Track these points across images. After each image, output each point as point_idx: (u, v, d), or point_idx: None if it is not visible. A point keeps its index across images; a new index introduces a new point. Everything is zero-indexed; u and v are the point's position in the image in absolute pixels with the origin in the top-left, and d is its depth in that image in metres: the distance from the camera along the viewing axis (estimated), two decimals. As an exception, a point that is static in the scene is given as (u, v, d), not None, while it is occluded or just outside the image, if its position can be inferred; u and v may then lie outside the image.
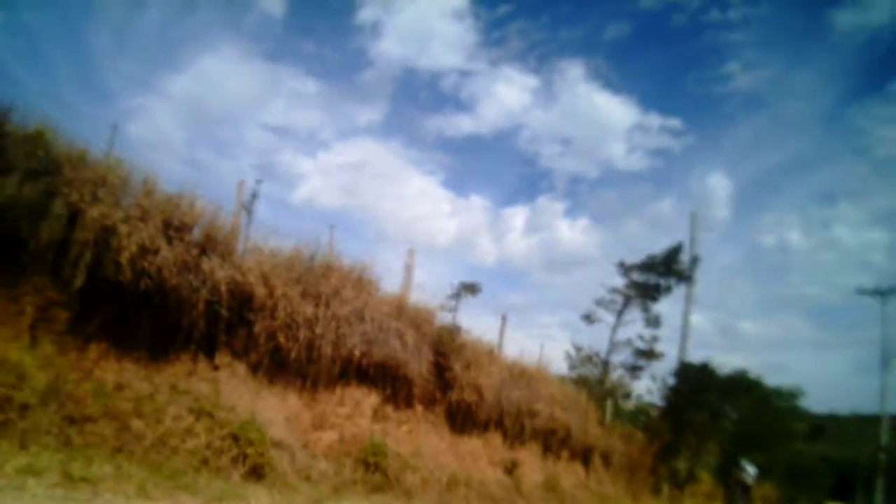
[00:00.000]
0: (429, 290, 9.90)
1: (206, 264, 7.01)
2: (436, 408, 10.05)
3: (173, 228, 6.82)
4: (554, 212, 77.11)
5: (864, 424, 37.20)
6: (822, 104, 77.39)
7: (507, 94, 74.44)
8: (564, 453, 13.42)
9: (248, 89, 63.85)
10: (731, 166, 79.54)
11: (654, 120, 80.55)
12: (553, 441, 12.87)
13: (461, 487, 9.65)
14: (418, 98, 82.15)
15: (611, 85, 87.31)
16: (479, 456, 10.90)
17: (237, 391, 7.40)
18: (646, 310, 16.32)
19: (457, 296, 10.13)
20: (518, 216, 79.66)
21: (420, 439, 9.56)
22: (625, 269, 16.47)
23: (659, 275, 16.44)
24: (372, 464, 8.19)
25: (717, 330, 64.25)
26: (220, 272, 7.11)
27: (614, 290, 16.41)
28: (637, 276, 16.38)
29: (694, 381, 17.57)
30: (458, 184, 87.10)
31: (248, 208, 7.82)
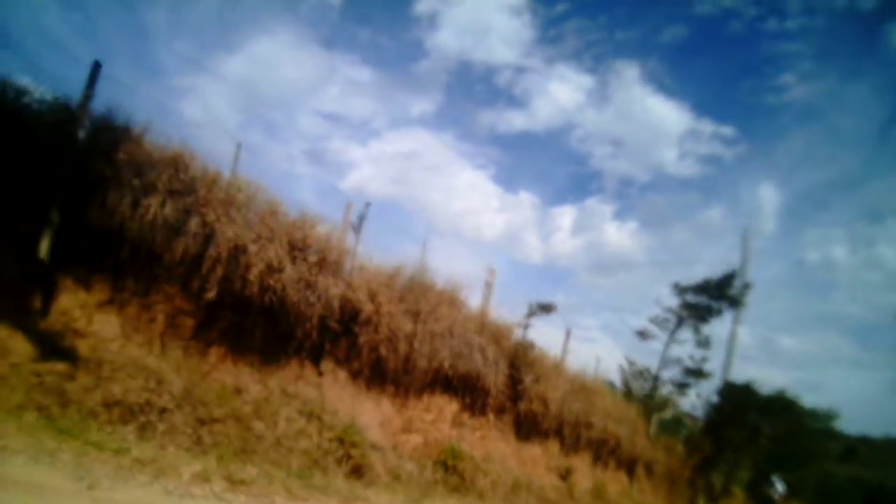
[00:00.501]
0: (506, 304, 10.52)
1: (322, 282, 7.70)
2: (505, 416, 10.73)
3: (297, 249, 7.51)
4: (602, 214, 76.53)
5: (897, 448, 36.92)
6: (874, 120, 74.62)
7: (561, 92, 73.73)
8: (612, 462, 14.03)
9: (302, 74, 64.43)
10: (782, 178, 77.71)
11: (707, 126, 78.76)
12: (603, 451, 13.48)
13: (523, 491, 10.35)
14: (472, 91, 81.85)
15: (665, 89, 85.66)
16: (539, 462, 11.57)
17: (339, 396, 8.14)
18: (697, 331, 16.75)
19: (531, 314, 10.73)
20: (566, 215, 79.27)
21: (490, 445, 10.27)
22: (679, 290, 16.87)
23: (711, 298, 16.81)
24: (451, 466, 8.91)
25: (756, 343, 63.69)
26: (334, 289, 7.81)
27: (668, 310, 16.85)
28: (690, 298, 16.77)
29: (736, 400, 17.94)
30: (507, 179, 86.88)
31: (356, 229, 8.48)
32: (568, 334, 12.48)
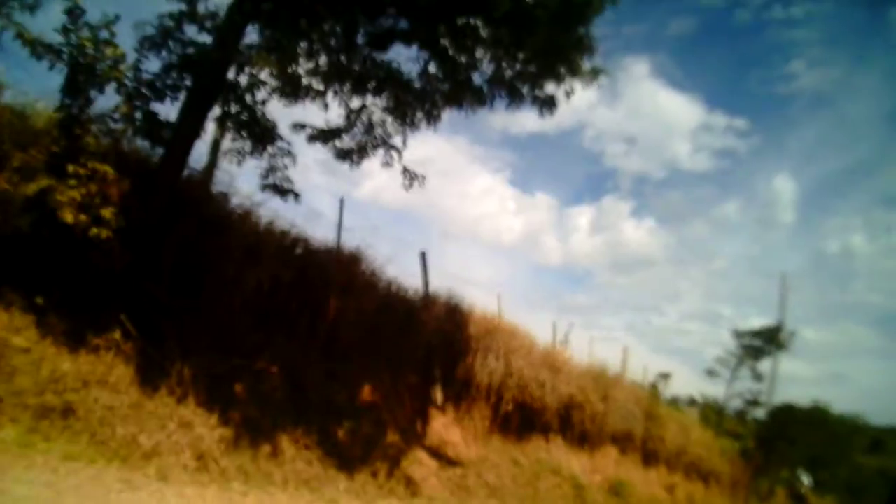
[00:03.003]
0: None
1: (561, 385, 12.84)
2: (638, 452, 16.03)
3: (554, 370, 12.64)
4: (619, 212, 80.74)
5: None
6: (886, 105, 78.70)
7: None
8: (695, 476, 19.42)
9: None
10: (797, 168, 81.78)
11: (720, 119, 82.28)
12: (692, 469, 18.85)
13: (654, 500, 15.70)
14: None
15: (675, 83, 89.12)
16: (654, 481, 16.89)
17: (563, 456, 13.34)
18: (753, 368, 22.27)
19: (656, 382, 15.96)
20: (583, 215, 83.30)
21: (632, 474, 15.57)
22: (738, 335, 22.32)
23: (763, 341, 22.21)
24: (621, 493, 14.19)
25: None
26: (565, 388, 12.96)
27: (729, 353, 22.37)
28: (747, 341, 22.22)
29: (781, 419, 23.42)
30: (524, 182, 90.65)
31: (564, 344, 13.59)
32: (624, 352, 17.71)
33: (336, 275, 8.63)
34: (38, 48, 5.88)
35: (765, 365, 23.18)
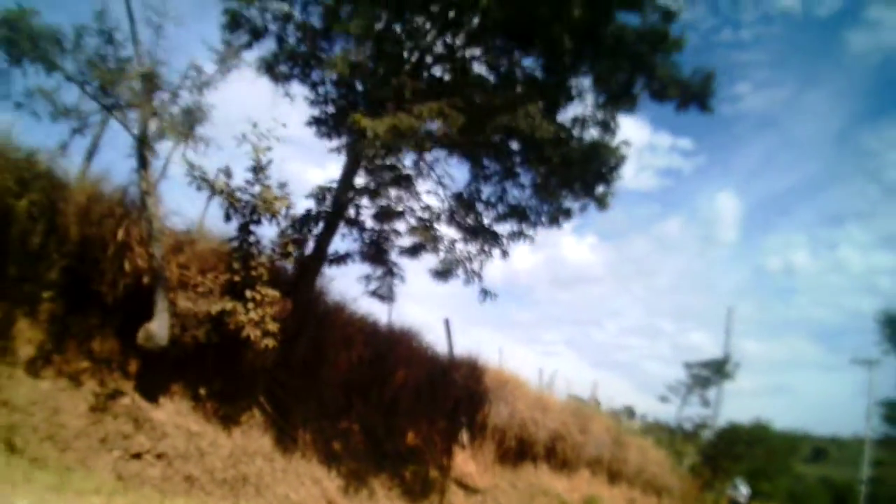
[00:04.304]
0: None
1: (549, 421, 15.85)
2: (602, 474, 19.28)
3: (544, 409, 15.61)
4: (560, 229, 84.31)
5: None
6: (834, 126, 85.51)
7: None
8: (651, 490, 22.88)
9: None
10: (741, 187, 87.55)
11: (665, 139, 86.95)
12: (648, 485, 22.30)
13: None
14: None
15: None
16: (618, 498, 20.19)
17: (549, 479, 16.35)
18: (701, 395, 26.09)
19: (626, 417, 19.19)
20: None
21: (602, 491, 18.78)
22: (688, 366, 26.19)
23: (711, 372, 26.09)
24: (592, 508, 17.36)
25: (720, 350, 73.91)
26: (551, 424, 15.98)
27: (679, 382, 26.19)
28: (696, 371, 26.09)
29: (727, 438, 27.31)
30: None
31: (550, 386, 16.60)
32: (594, 388, 21.04)
33: (399, 350, 11.32)
34: (225, 197, 8.32)
35: (711, 392, 27.16)
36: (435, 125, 8.20)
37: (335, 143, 10.57)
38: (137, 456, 7.42)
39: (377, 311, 11.69)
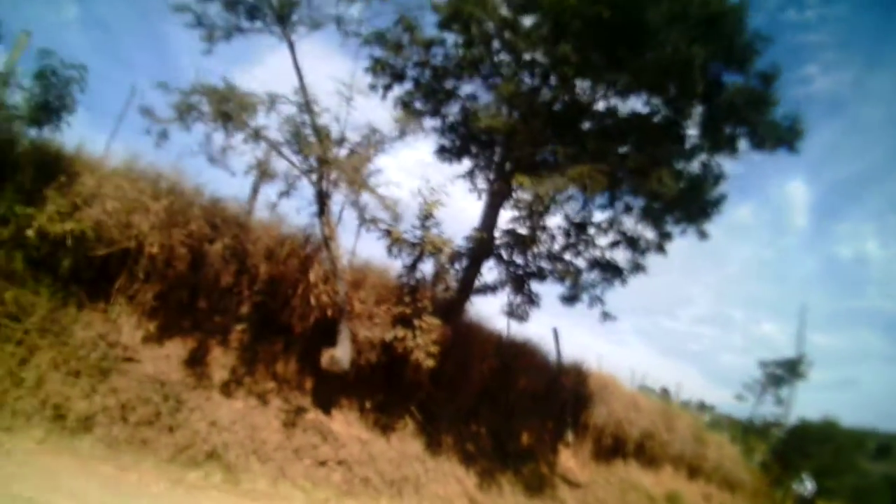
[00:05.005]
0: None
1: (640, 420, 16.96)
2: (683, 469, 20.32)
3: (637, 409, 16.74)
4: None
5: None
6: None
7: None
8: (725, 486, 23.81)
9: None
10: (811, 173, 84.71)
11: None
12: (724, 481, 23.22)
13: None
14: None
15: None
16: (696, 493, 21.22)
17: (637, 474, 17.52)
18: (775, 395, 26.68)
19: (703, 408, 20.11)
20: None
21: (682, 487, 19.86)
22: (763, 364, 26.76)
23: (784, 371, 26.59)
24: (675, 501, 18.47)
25: (791, 341, 72.18)
26: (642, 423, 17.09)
27: (754, 380, 26.84)
28: (771, 370, 26.66)
29: (797, 435, 27.81)
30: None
31: (642, 388, 17.65)
32: (678, 388, 21.90)
33: (521, 360, 12.66)
34: (398, 242, 9.73)
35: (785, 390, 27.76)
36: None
37: (458, 167, 12.47)
38: (323, 463, 8.98)
39: (499, 322, 13.02)
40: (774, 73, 10.51)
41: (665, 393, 26.61)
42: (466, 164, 12.64)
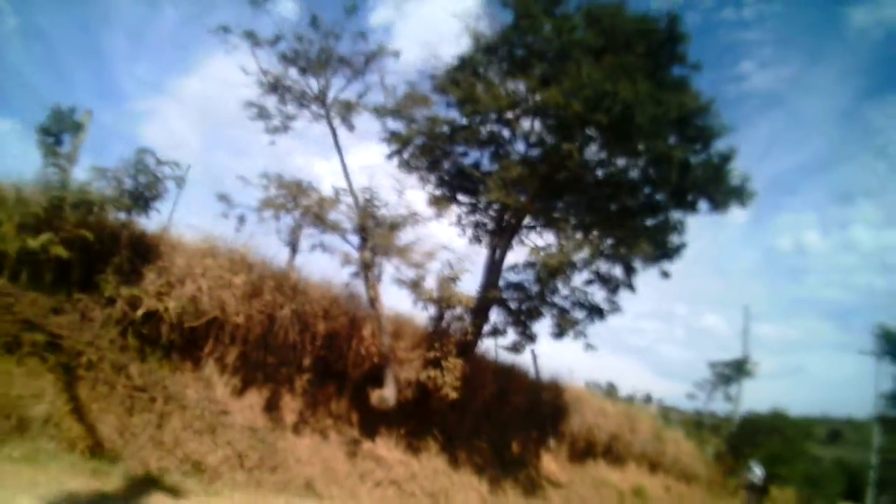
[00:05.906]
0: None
1: (607, 425, 20.07)
2: (644, 465, 23.60)
3: (604, 415, 19.82)
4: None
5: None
6: (839, 103, 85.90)
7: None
8: (682, 478, 27.29)
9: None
10: (748, 167, 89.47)
11: None
12: (681, 473, 26.68)
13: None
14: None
15: None
16: (657, 486, 24.54)
17: (606, 472, 20.65)
18: (725, 391, 30.60)
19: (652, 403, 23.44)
20: None
21: (645, 481, 23.12)
22: (712, 365, 30.69)
23: (733, 371, 30.51)
24: (640, 494, 21.71)
25: (734, 333, 76.78)
26: (609, 427, 20.21)
27: (704, 380, 30.72)
28: (719, 369, 30.56)
29: (747, 427, 31.71)
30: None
31: (609, 395, 20.76)
32: (646, 395, 25.34)
33: (512, 383, 15.53)
34: (428, 299, 12.35)
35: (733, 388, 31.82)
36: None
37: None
38: (379, 484, 11.56)
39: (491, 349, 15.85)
40: (730, 153, 13.57)
41: (611, 387, 29.86)
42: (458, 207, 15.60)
